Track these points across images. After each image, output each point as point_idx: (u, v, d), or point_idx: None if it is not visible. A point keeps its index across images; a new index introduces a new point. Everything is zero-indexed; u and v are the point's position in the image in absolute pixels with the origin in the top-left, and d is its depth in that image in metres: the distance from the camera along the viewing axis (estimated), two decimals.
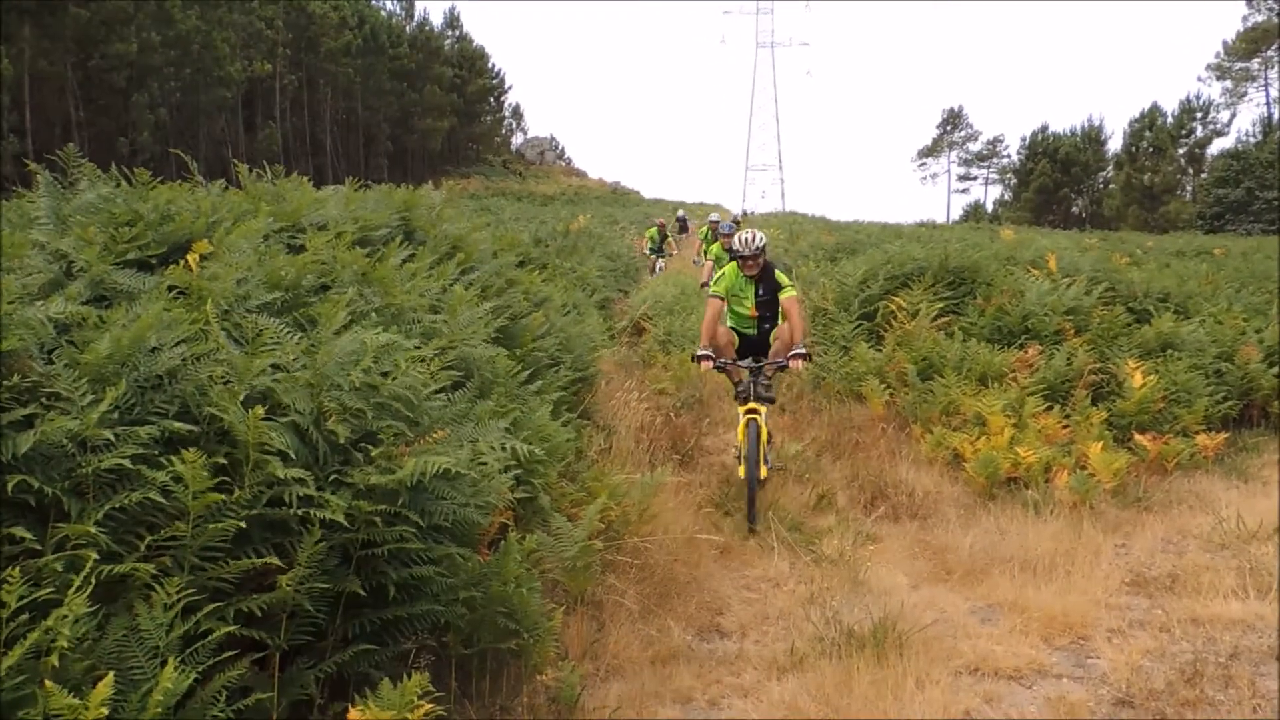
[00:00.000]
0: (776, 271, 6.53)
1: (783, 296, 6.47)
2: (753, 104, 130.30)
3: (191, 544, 2.59)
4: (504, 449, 3.59)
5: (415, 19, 66.05)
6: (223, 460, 2.74)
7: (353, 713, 2.61)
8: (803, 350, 6.19)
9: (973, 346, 8.31)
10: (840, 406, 8.51)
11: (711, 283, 7.45)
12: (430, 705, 2.69)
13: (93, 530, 2.42)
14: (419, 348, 3.84)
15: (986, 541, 5.65)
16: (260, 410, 2.71)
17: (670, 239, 22.61)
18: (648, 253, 22.04)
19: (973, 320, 9.06)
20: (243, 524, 2.63)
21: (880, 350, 8.87)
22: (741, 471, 6.22)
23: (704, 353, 6.38)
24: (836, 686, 3.81)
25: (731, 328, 6.87)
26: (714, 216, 18.77)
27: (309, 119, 54.35)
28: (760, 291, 6.62)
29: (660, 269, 20.76)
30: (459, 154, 69.48)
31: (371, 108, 57.90)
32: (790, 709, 3.71)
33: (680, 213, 32.36)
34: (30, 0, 32.16)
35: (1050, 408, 7.40)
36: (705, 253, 17.43)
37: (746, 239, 6.46)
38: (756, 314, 6.74)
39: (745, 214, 52.32)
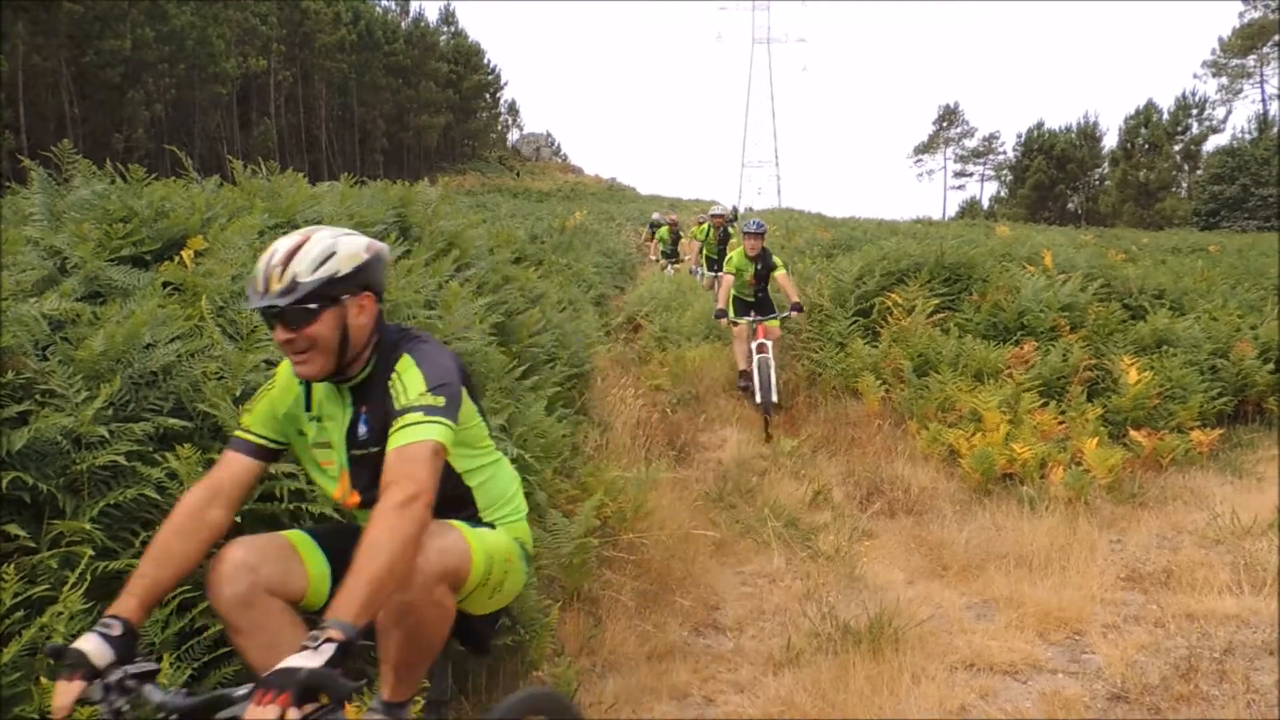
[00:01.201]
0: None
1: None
2: (749, 100, 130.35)
3: None
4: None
5: (410, 15, 65.92)
6: (216, 456, 2.74)
7: (349, 708, 2.61)
8: None
9: (968, 343, 8.32)
10: (836, 403, 8.51)
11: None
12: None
13: (88, 527, 2.41)
14: None
15: (982, 537, 5.66)
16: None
17: (684, 238, 18.51)
18: (655, 258, 18.69)
19: (968, 316, 9.06)
20: (237, 520, 2.63)
21: (876, 346, 8.87)
22: None
23: None
24: (833, 682, 3.82)
25: None
26: (717, 209, 14.74)
27: (304, 115, 54.20)
28: None
29: (671, 275, 16.83)
30: (455, 150, 69.36)
31: (367, 104, 57.76)
32: (786, 704, 3.72)
33: (656, 215, 24.55)
34: None
35: (1046, 404, 7.41)
36: (706, 260, 14.17)
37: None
38: None
39: (738, 210, 51.95)
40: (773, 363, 8.20)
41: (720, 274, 9.96)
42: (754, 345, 8.37)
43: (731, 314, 8.86)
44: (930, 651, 4.14)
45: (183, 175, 5.56)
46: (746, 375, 8.49)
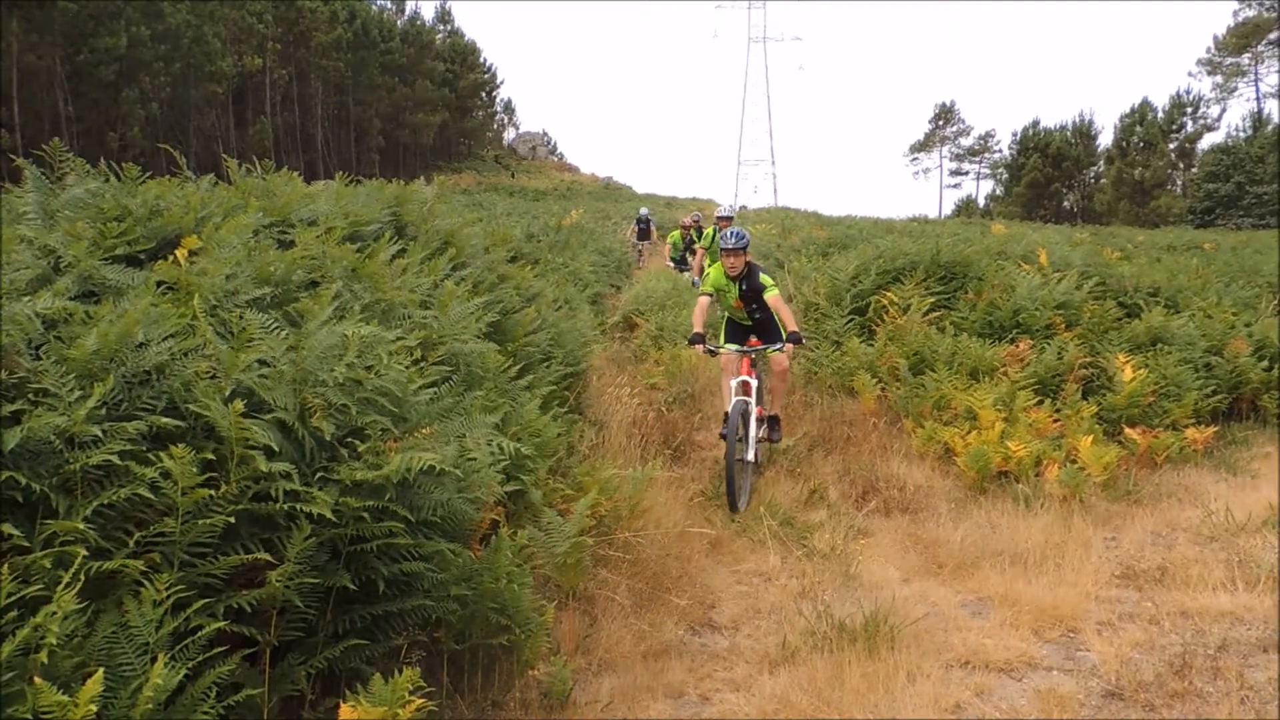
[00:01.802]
0: None
1: None
2: (745, 98, 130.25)
3: (180, 540, 2.58)
4: (491, 446, 3.58)
5: (406, 14, 65.83)
6: (210, 456, 2.74)
7: (344, 708, 2.61)
8: None
9: (964, 341, 8.33)
10: (832, 401, 8.52)
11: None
12: (422, 700, 2.70)
13: (81, 526, 2.41)
14: (402, 339, 3.84)
15: (977, 535, 5.66)
16: (239, 405, 2.70)
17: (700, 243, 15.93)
18: (670, 263, 16.19)
19: (964, 315, 9.08)
20: (231, 519, 2.63)
21: (872, 345, 8.88)
22: None
23: None
24: (828, 680, 3.82)
25: None
26: (722, 210, 12.74)
27: (300, 114, 54.11)
28: None
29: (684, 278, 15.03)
30: (451, 149, 69.30)
31: (363, 102, 57.70)
32: (782, 703, 3.72)
33: (644, 210, 23.71)
34: None
35: (1041, 402, 7.43)
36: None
37: None
38: None
39: (732, 210, 51.69)
40: (754, 410, 6.58)
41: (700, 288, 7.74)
42: (734, 383, 6.65)
43: (721, 339, 7.33)
44: (925, 649, 4.14)
45: (177, 174, 5.55)
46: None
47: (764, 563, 5.34)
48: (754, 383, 6.66)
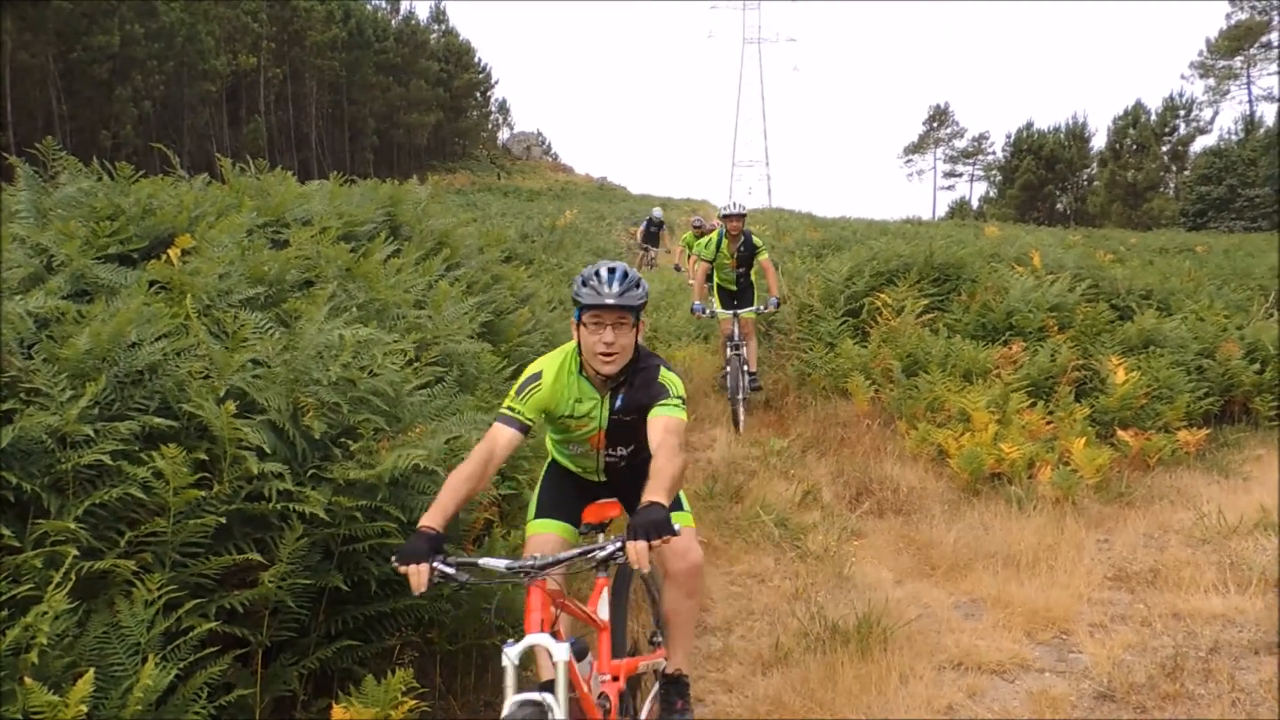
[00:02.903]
0: None
1: None
2: (740, 99, 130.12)
3: (172, 540, 2.58)
4: None
5: (401, 13, 65.69)
6: (203, 456, 2.73)
7: (336, 709, 2.60)
8: None
9: (957, 343, 8.34)
10: (826, 402, 8.53)
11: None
12: (414, 701, 2.69)
13: (72, 526, 2.40)
14: (397, 341, 3.84)
15: (970, 537, 5.67)
16: (232, 406, 2.70)
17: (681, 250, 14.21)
18: (688, 276, 13.96)
19: (957, 316, 9.09)
20: (223, 519, 2.62)
21: (865, 346, 8.89)
22: None
23: None
24: (821, 681, 3.83)
25: None
26: (730, 208, 8.83)
27: (294, 113, 53.95)
28: None
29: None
30: (445, 149, 69.14)
31: (357, 102, 57.55)
32: (775, 704, 3.73)
33: (656, 211, 20.03)
34: None
35: (1034, 404, 7.44)
36: (719, 290, 9.03)
37: None
38: None
39: (739, 207, 51.19)
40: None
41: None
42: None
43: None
44: (918, 651, 4.15)
45: (171, 173, 5.54)
46: None
47: (757, 564, 5.34)
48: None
